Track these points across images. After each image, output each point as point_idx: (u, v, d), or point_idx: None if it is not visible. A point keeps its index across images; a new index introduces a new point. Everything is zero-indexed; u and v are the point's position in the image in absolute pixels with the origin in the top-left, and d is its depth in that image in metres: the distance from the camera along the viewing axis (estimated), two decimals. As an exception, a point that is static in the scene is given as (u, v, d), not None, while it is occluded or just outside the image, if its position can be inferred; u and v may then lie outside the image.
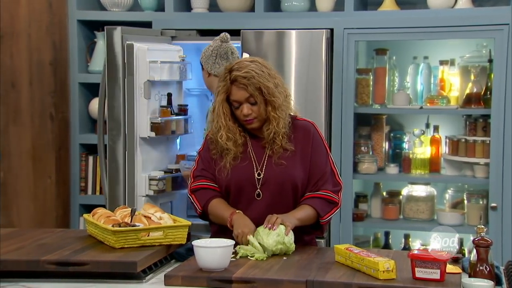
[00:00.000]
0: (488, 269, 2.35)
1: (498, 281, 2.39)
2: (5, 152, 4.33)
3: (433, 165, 4.25)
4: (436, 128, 4.28)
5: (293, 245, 2.68)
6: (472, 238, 2.43)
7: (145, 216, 2.76)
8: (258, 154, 2.84)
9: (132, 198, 3.82)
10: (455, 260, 2.55)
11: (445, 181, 4.30)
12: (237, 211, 2.78)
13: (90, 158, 4.54)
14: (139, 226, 2.66)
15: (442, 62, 4.26)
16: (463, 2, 4.13)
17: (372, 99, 4.28)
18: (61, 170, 4.46)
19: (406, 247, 4.18)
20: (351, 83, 4.08)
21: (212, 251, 2.42)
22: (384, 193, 4.37)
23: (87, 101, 4.58)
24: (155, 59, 3.77)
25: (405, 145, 4.39)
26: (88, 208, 3.86)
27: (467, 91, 4.12)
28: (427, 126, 4.33)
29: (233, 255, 2.57)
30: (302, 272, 2.43)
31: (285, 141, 2.80)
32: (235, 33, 3.99)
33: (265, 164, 2.82)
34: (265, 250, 2.62)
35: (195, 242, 2.46)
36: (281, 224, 2.67)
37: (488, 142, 3.99)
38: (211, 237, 2.82)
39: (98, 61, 4.42)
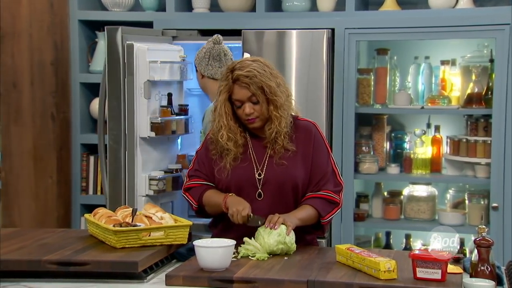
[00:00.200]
0: (489, 269, 2.35)
1: (499, 281, 2.39)
2: (6, 152, 4.33)
3: (434, 165, 4.25)
4: (437, 128, 4.28)
5: (294, 245, 2.68)
6: (473, 238, 2.43)
7: (146, 216, 2.77)
8: (259, 154, 2.84)
9: (132, 198, 3.82)
10: (456, 260, 2.55)
11: (446, 181, 4.30)
12: (231, 194, 2.79)
13: (91, 158, 4.54)
14: (140, 226, 2.67)
15: (443, 62, 4.26)
16: (464, 2, 4.13)
17: (373, 99, 4.28)
18: (62, 170, 4.46)
19: (407, 247, 4.18)
20: (352, 83, 4.08)
21: (213, 251, 2.42)
22: (385, 193, 4.37)
23: (88, 101, 4.58)
24: (155, 59, 3.77)
25: (406, 145, 4.39)
26: (89, 208, 3.86)
27: (468, 91, 4.12)
28: (428, 126, 4.33)
29: (234, 255, 2.57)
30: (303, 272, 2.43)
31: (286, 141, 2.80)
32: (236, 33, 4.00)
33: (266, 164, 2.82)
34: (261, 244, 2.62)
35: (196, 242, 2.46)
36: (282, 224, 2.68)
37: (489, 142, 3.99)
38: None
39: (99, 61, 4.42)
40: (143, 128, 3.79)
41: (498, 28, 3.87)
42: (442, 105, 4.14)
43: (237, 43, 4.01)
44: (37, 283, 2.40)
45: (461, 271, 2.44)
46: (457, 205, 4.27)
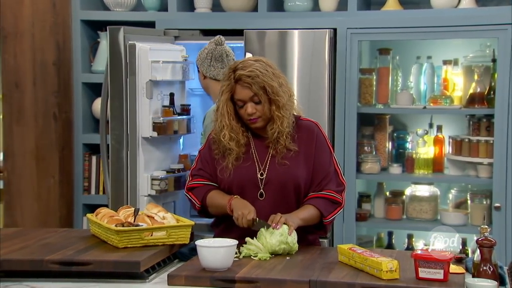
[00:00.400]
0: (491, 269, 2.34)
1: (501, 281, 2.39)
2: (9, 152, 4.34)
3: (436, 165, 4.25)
4: (439, 128, 4.28)
5: (296, 245, 2.68)
6: (475, 238, 2.44)
7: (148, 216, 2.77)
8: (261, 154, 2.84)
9: (134, 198, 3.82)
10: (458, 260, 2.55)
11: (449, 181, 4.29)
12: (235, 196, 2.79)
13: (94, 158, 4.54)
14: (142, 226, 2.67)
15: (445, 62, 4.25)
16: (466, 2, 4.12)
17: (375, 99, 4.27)
18: (64, 170, 4.46)
19: (409, 247, 4.18)
20: (354, 83, 4.07)
21: (215, 251, 2.42)
22: (387, 193, 4.37)
23: (90, 101, 4.58)
24: (158, 59, 3.77)
25: (409, 145, 4.39)
26: (92, 208, 3.86)
27: (471, 91, 4.12)
28: (431, 126, 4.33)
29: (236, 255, 2.57)
30: (305, 272, 2.43)
31: (288, 141, 2.80)
32: (238, 33, 3.99)
33: (268, 164, 2.82)
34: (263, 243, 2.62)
35: (198, 242, 2.46)
36: (284, 224, 2.67)
37: (491, 142, 3.99)
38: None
39: (102, 61, 4.43)
40: (145, 128, 3.79)
41: (500, 28, 3.86)
42: (444, 105, 4.14)
43: (239, 43, 4.01)
44: (39, 283, 2.40)
45: (463, 271, 2.44)
46: (459, 205, 4.27)
